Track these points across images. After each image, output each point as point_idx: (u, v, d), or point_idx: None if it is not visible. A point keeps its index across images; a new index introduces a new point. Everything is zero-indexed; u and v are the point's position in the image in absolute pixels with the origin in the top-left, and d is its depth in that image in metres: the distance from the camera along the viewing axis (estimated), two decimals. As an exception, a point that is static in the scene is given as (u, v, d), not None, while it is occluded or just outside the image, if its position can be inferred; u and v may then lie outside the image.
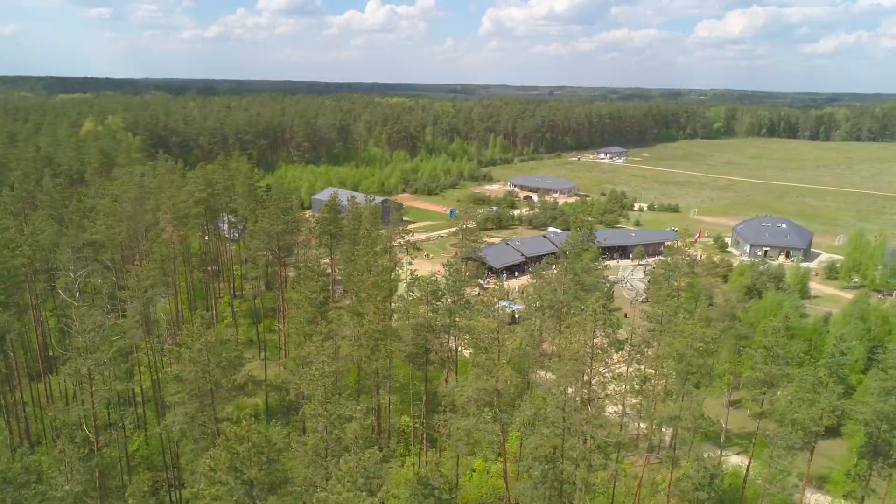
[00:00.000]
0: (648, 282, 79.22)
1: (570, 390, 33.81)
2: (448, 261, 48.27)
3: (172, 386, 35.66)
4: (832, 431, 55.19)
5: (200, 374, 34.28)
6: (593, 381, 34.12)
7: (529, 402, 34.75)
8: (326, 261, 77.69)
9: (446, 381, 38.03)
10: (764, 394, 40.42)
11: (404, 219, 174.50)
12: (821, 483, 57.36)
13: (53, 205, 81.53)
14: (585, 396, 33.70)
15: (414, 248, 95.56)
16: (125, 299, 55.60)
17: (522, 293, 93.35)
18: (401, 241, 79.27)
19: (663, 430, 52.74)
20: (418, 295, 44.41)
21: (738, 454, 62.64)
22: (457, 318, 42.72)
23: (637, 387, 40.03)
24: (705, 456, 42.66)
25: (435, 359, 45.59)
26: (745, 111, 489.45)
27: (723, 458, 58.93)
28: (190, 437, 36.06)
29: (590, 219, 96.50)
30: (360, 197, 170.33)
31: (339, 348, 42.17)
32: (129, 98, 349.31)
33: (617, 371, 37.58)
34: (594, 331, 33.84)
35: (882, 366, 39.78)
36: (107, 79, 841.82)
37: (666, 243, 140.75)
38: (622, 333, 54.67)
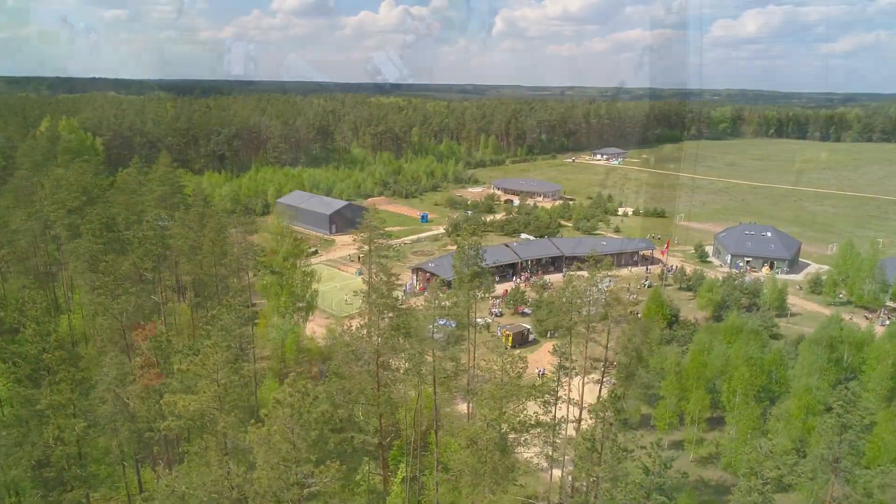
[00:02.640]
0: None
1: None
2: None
3: None
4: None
5: None
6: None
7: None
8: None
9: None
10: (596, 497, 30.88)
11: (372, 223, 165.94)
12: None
13: None
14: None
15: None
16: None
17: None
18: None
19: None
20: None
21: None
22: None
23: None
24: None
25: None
26: (753, 111, 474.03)
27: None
28: None
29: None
30: (315, 199, 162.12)
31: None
32: (98, 97, 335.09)
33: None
34: (292, 427, 23.62)
35: (744, 468, 29.35)
36: (115, 79, 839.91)
37: (640, 252, 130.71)
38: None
